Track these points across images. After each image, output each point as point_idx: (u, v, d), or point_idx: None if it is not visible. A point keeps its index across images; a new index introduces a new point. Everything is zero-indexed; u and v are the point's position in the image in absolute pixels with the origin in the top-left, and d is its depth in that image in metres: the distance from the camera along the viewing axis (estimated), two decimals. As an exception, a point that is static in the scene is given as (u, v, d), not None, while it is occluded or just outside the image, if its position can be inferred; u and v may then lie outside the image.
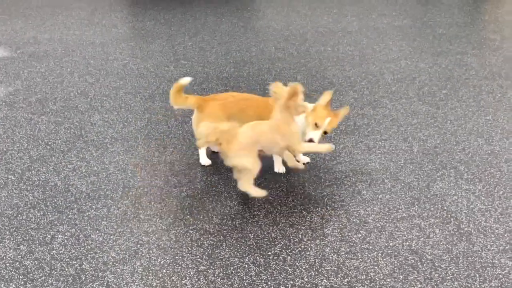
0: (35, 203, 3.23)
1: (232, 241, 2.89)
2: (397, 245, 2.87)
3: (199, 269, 2.69)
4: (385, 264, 2.72)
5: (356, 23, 7.13)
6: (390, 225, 3.03)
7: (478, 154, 3.78)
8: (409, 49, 6.05)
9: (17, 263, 2.74)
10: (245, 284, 2.60)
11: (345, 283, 2.60)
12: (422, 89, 4.92)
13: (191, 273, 2.66)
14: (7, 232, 2.97)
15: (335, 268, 2.70)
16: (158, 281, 2.61)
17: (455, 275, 2.65)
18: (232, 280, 2.62)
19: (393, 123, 4.24)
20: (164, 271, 2.68)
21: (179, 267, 2.70)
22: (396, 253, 2.80)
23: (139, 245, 2.86)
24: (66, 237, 2.93)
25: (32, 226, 3.02)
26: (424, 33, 6.70)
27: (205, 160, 3.64)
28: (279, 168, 3.58)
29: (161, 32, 6.74)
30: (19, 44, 6.22)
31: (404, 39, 6.44)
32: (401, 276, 2.64)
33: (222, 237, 2.92)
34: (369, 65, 5.56)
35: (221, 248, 2.84)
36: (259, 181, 3.43)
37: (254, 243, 2.88)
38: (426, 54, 5.90)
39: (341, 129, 4.15)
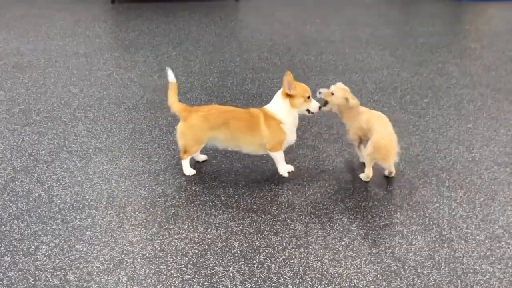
0: (18, 214, 3.22)
1: (217, 250, 2.90)
2: (380, 252, 2.89)
3: (184, 278, 2.69)
4: (368, 271, 2.75)
5: (338, 33, 7.20)
6: (373, 232, 3.06)
7: (459, 162, 3.84)
8: (391, 59, 6.12)
9: (1, 274, 2.72)
10: (230, 293, 2.61)
11: (329, 291, 2.63)
12: (404, 98, 4.98)
13: (176, 282, 2.66)
14: (-10, 244, 2.95)
15: (319, 276, 2.72)
16: (143, 291, 2.62)
17: (437, 281, 2.68)
18: (217, 289, 2.63)
19: (375, 132, 4.28)
20: (149, 280, 2.68)
21: (164, 277, 2.70)
22: (379, 260, 2.83)
23: (123, 255, 2.86)
24: (50, 247, 2.92)
25: (16, 237, 3.00)
26: (406, 43, 6.78)
27: (189, 170, 3.64)
28: (283, 172, 3.64)
29: (145, 42, 6.75)
30: (1, 55, 6.19)
31: (386, 48, 6.52)
32: (384, 283, 2.67)
33: (206, 246, 2.93)
34: (351, 74, 5.61)
35: (205, 257, 2.85)
36: (243, 190, 3.46)
37: (238, 252, 2.89)
38: (408, 63, 5.97)
39: (324, 137, 4.19)
